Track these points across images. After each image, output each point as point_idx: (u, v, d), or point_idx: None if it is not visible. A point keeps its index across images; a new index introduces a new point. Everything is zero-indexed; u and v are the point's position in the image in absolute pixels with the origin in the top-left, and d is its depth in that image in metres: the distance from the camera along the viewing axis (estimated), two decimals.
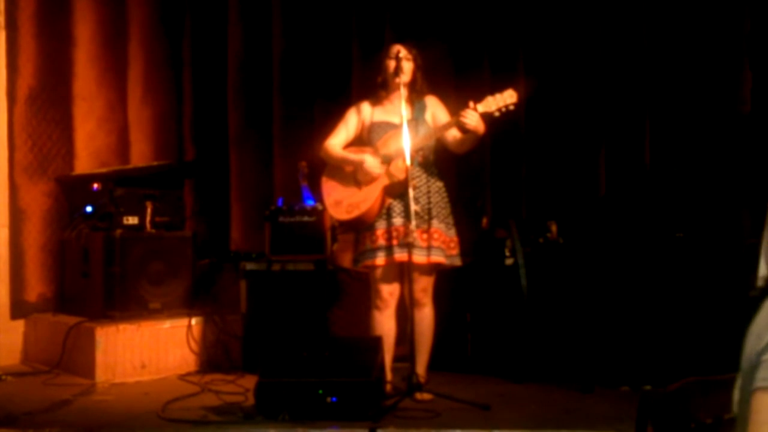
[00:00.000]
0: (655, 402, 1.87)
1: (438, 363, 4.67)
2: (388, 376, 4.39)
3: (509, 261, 5.00)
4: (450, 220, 4.47)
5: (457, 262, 4.49)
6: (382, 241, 4.38)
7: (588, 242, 4.93)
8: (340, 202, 4.49)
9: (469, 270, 5.05)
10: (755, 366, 1.31)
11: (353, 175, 4.47)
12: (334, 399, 3.97)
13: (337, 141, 4.58)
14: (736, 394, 1.45)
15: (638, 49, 5.34)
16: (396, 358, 4.55)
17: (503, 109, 4.26)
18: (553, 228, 5.03)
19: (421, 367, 4.38)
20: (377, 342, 4.24)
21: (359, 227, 4.48)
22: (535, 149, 5.62)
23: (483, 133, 4.33)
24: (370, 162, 4.41)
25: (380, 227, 4.40)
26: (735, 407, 1.46)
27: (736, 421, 1.42)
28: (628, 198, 5.15)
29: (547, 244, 5.01)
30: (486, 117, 4.26)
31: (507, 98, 4.26)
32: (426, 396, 4.26)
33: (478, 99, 4.27)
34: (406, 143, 4.24)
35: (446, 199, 4.49)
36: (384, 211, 4.40)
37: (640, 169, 5.30)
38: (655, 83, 5.31)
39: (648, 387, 4.36)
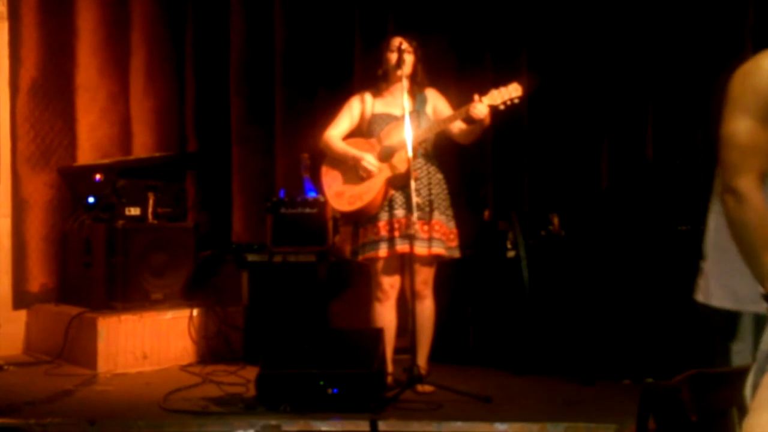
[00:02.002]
0: (657, 395, 1.86)
1: (439, 355, 4.68)
2: (389, 367, 4.39)
3: (511, 253, 5.00)
4: (450, 212, 4.48)
5: (456, 254, 4.50)
6: (384, 233, 4.38)
7: (590, 235, 4.92)
8: (341, 193, 4.49)
9: (470, 262, 5.05)
10: None
11: (354, 168, 4.47)
12: (335, 390, 3.97)
13: (337, 132, 4.57)
14: (749, 391, 1.44)
15: (641, 41, 5.33)
16: (397, 350, 4.55)
17: (508, 103, 4.27)
18: (555, 220, 5.03)
19: (422, 359, 4.38)
20: (378, 333, 4.25)
21: (361, 219, 4.48)
22: (538, 141, 5.61)
23: (488, 124, 4.35)
24: (369, 159, 4.41)
25: (382, 219, 4.40)
26: (748, 402, 1.45)
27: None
28: (631, 190, 5.14)
29: (549, 236, 5.00)
30: (490, 110, 4.27)
31: (512, 91, 4.26)
32: (427, 388, 4.26)
33: (482, 92, 4.27)
34: (408, 135, 4.24)
35: (446, 191, 4.49)
36: (386, 202, 4.41)
37: (643, 161, 5.28)
38: (657, 75, 5.29)
39: (650, 380, 4.36)
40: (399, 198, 4.39)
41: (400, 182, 4.35)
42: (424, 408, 4.05)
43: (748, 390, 1.46)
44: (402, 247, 4.31)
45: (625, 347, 4.65)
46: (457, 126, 4.44)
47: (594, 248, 4.84)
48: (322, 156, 4.67)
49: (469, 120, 4.32)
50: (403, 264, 4.40)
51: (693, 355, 4.27)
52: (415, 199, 4.19)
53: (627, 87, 5.38)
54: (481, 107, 4.23)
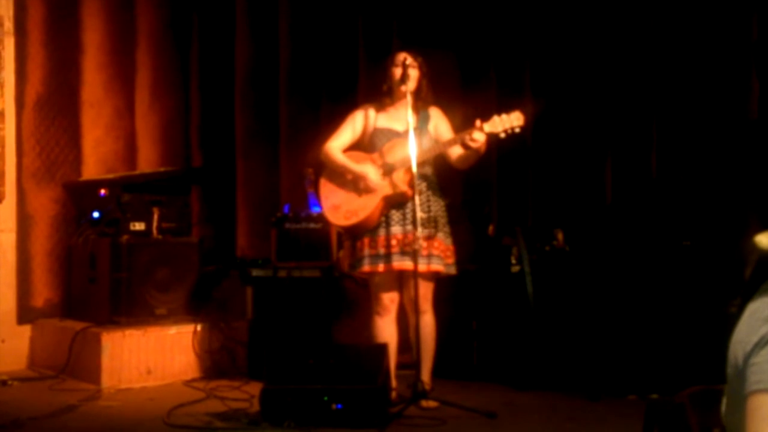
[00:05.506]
0: (661, 411, 1.86)
1: (444, 370, 4.67)
2: (393, 383, 4.39)
3: (515, 268, 5.00)
4: (447, 229, 4.48)
5: (453, 270, 4.50)
6: (381, 249, 4.38)
7: (594, 250, 4.93)
8: (338, 207, 4.48)
9: (475, 277, 5.05)
10: (743, 371, 1.30)
11: (353, 182, 4.47)
12: (339, 406, 3.97)
13: (338, 144, 4.56)
14: (724, 406, 1.44)
15: (645, 57, 5.34)
16: (400, 366, 4.55)
17: (509, 131, 4.27)
18: (560, 236, 5.03)
19: (425, 374, 4.37)
20: (382, 349, 4.24)
21: (357, 233, 4.48)
22: (542, 157, 5.62)
23: (484, 152, 4.35)
24: (373, 177, 4.41)
25: (380, 234, 4.39)
26: (723, 419, 1.44)
27: None
28: (635, 206, 5.14)
29: (553, 251, 5.00)
30: (489, 138, 4.27)
31: (514, 120, 4.26)
32: (432, 403, 4.26)
33: (486, 112, 4.26)
34: (412, 150, 4.24)
35: (444, 209, 4.50)
36: (383, 219, 4.40)
37: (647, 177, 5.29)
38: (662, 92, 5.31)
39: (655, 396, 4.34)
40: (396, 215, 4.38)
41: (397, 201, 4.36)
42: (428, 424, 4.04)
43: (723, 414, 1.46)
44: (399, 263, 4.31)
45: (630, 362, 4.64)
46: (456, 151, 4.44)
47: (598, 263, 4.84)
48: (321, 167, 4.67)
49: (465, 146, 4.32)
50: (401, 279, 4.41)
51: (699, 370, 4.27)
52: (419, 215, 4.19)
53: (632, 102, 5.39)
54: (478, 136, 4.22)
